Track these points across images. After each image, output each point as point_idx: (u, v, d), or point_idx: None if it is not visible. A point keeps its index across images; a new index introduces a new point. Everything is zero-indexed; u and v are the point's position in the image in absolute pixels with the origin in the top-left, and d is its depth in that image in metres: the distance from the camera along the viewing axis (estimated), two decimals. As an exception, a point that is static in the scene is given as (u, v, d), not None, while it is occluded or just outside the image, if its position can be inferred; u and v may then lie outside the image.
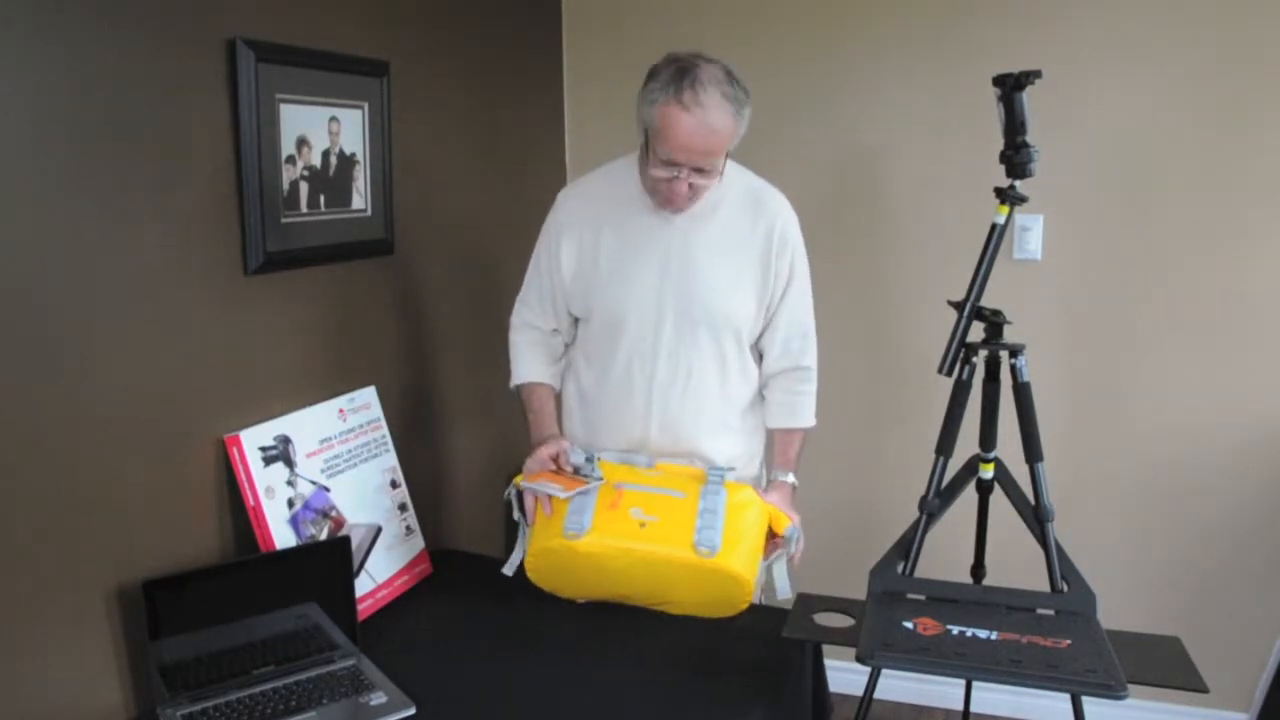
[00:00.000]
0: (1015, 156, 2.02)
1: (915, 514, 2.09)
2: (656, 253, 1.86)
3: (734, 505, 1.76)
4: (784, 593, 1.85)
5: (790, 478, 1.95)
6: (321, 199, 1.93)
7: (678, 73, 1.68)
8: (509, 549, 1.89)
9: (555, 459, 1.83)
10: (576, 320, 1.99)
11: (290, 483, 1.78)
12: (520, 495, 1.81)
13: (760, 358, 1.97)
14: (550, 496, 1.75)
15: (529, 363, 2.00)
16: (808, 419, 1.99)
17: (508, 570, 1.85)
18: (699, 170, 1.72)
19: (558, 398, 2.04)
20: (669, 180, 1.73)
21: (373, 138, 2.06)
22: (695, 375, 1.89)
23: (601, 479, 1.77)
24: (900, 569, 2.01)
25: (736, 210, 1.87)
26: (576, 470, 1.81)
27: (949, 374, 2.07)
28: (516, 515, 1.82)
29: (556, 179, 2.95)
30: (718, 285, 1.86)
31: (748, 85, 1.73)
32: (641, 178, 1.83)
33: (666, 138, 1.68)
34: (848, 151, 2.75)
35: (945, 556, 2.41)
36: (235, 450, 1.71)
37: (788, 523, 1.81)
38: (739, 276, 1.87)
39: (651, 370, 1.89)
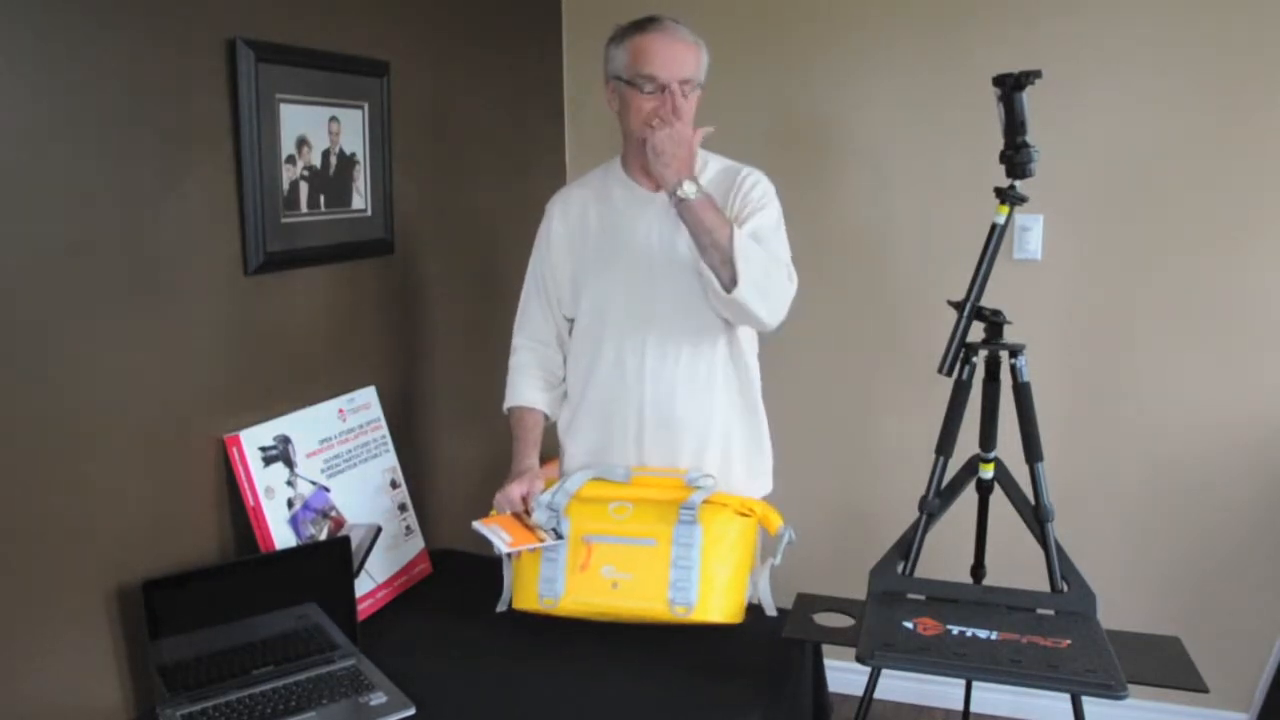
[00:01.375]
0: (1015, 156, 2.02)
1: (915, 514, 2.09)
2: (640, 233, 1.89)
3: (710, 540, 1.74)
4: (769, 609, 1.84)
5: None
6: (321, 199, 1.93)
7: (632, 22, 1.85)
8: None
9: (524, 499, 1.82)
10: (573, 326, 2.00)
11: (290, 483, 1.78)
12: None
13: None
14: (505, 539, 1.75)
15: (522, 386, 1.99)
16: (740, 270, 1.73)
17: (501, 608, 1.87)
18: (684, 82, 1.81)
19: (551, 426, 2.03)
20: (661, 104, 1.80)
21: (373, 138, 2.06)
22: (685, 352, 1.88)
23: (559, 539, 1.76)
24: (900, 569, 2.01)
25: (714, 184, 1.90)
26: (539, 524, 1.79)
27: (949, 374, 2.07)
28: (497, 551, 1.81)
29: (556, 179, 2.95)
30: None
31: None
32: (633, 136, 1.86)
33: (645, 59, 1.80)
34: (847, 151, 2.75)
35: (945, 556, 2.41)
36: (235, 450, 1.71)
37: (780, 523, 1.81)
38: None
39: (641, 350, 1.88)
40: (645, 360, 1.88)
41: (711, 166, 1.93)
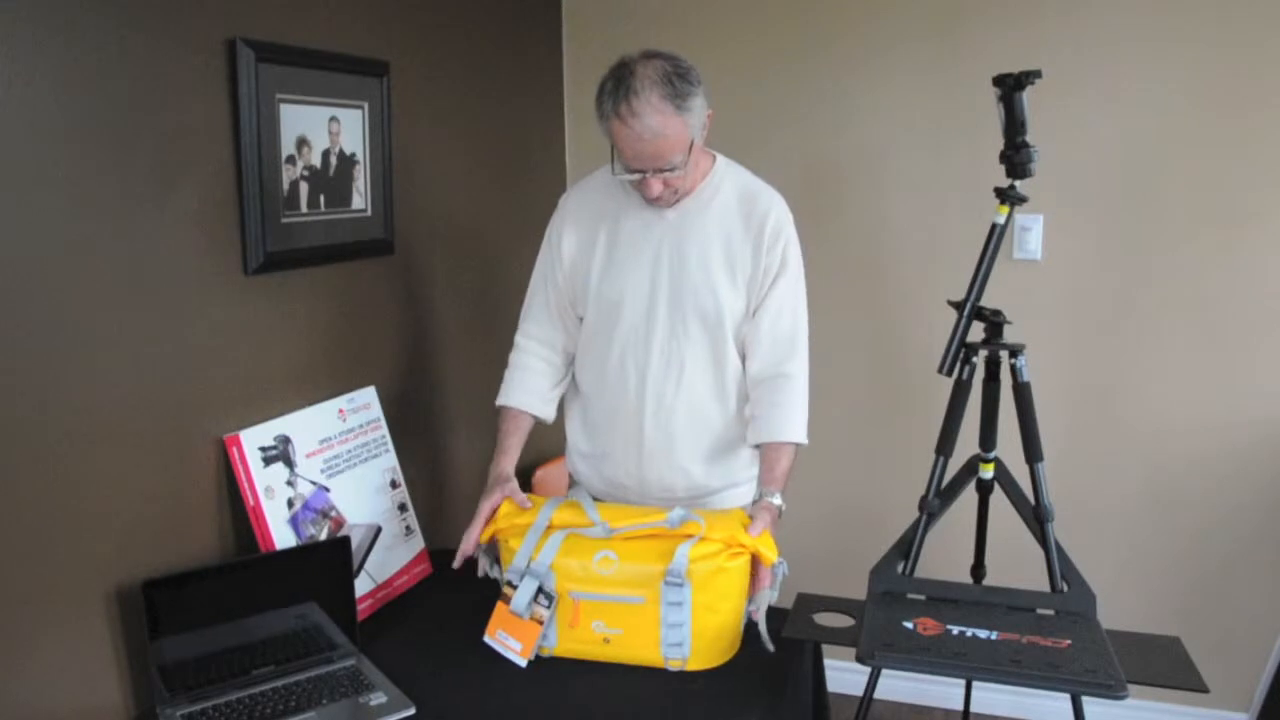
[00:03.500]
0: (1015, 156, 2.03)
1: (915, 514, 2.09)
2: (650, 244, 1.88)
3: (701, 600, 1.65)
4: (767, 645, 1.71)
5: (777, 499, 1.79)
6: (321, 199, 1.93)
7: (615, 84, 1.71)
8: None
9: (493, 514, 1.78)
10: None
11: (290, 483, 1.78)
12: (492, 550, 1.80)
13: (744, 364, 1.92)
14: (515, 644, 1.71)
15: (514, 387, 1.97)
16: (791, 433, 1.85)
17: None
18: (661, 170, 1.75)
19: (541, 424, 2.00)
20: (638, 183, 1.79)
21: (373, 138, 2.06)
22: (688, 369, 1.87)
23: (550, 600, 1.68)
24: (900, 569, 2.01)
25: (730, 206, 1.88)
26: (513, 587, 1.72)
27: (949, 374, 2.07)
28: (493, 572, 1.79)
29: (556, 179, 2.95)
30: (709, 276, 1.86)
31: (697, 76, 1.73)
32: None
33: (620, 150, 1.75)
34: (847, 151, 2.75)
35: (945, 556, 2.42)
36: (235, 450, 1.71)
37: (774, 558, 1.70)
38: (731, 268, 1.87)
39: (644, 362, 1.88)
40: (649, 368, 1.88)
41: (727, 187, 1.89)
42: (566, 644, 1.71)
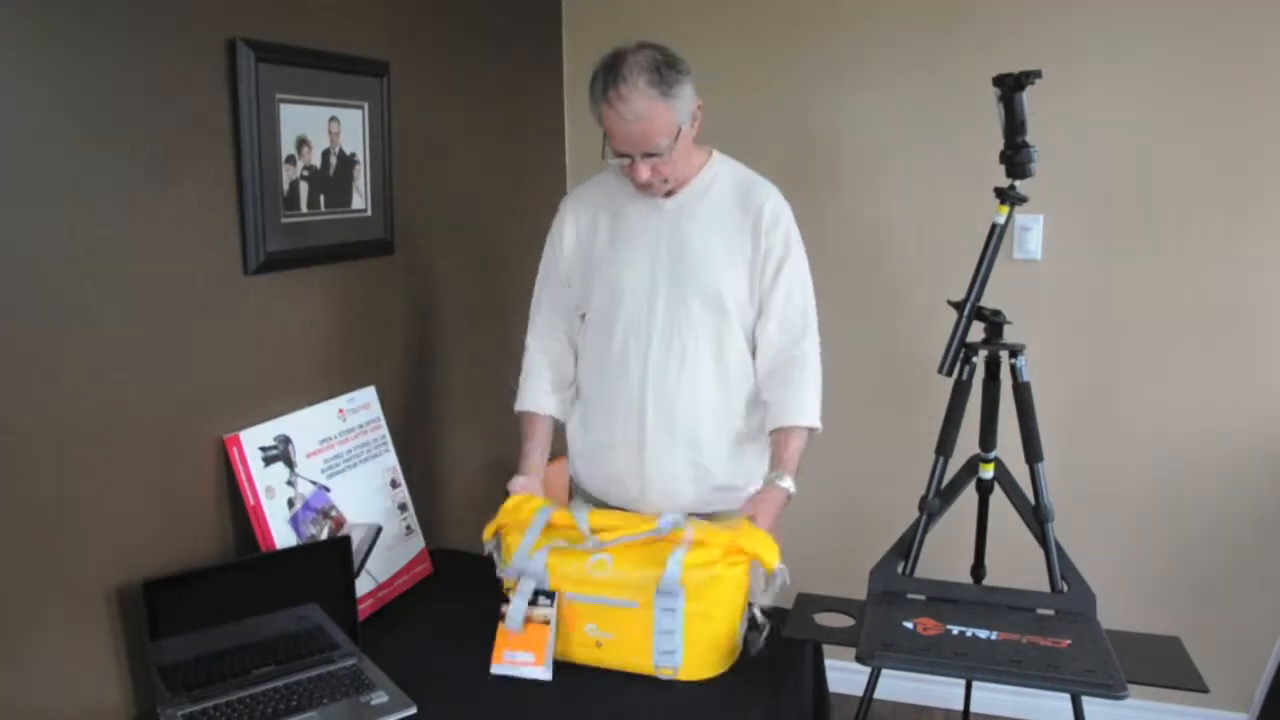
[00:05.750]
0: (1015, 156, 2.03)
1: (915, 514, 2.09)
2: (648, 233, 1.90)
3: (695, 608, 1.63)
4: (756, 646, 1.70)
5: (786, 482, 1.82)
6: (321, 199, 1.93)
7: (605, 71, 1.77)
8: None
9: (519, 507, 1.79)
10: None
11: (290, 483, 1.78)
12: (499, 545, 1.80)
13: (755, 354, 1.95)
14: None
15: (532, 390, 1.99)
16: (803, 416, 1.87)
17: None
18: (650, 155, 1.79)
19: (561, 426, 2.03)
20: (628, 167, 1.82)
21: (373, 138, 2.06)
22: (690, 353, 1.87)
23: (551, 597, 1.68)
24: (900, 569, 2.01)
25: (726, 196, 1.91)
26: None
27: (949, 374, 2.07)
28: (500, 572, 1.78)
29: (556, 179, 2.95)
30: (708, 259, 1.88)
31: (685, 66, 1.80)
32: None
33: (609, 134, 1.80)
34: (847, 151, 2.75)
35: (945, 556, 2.41)
36: (235, 450, 1.71)
37: (776, 563, 1.67)
38: (730, 252, 1.88)
39: (646, 347, 1.88)
40: (650, 351, 1.88)
41: (724, 179, 1.92)
42: (557, 646, 1.69)
